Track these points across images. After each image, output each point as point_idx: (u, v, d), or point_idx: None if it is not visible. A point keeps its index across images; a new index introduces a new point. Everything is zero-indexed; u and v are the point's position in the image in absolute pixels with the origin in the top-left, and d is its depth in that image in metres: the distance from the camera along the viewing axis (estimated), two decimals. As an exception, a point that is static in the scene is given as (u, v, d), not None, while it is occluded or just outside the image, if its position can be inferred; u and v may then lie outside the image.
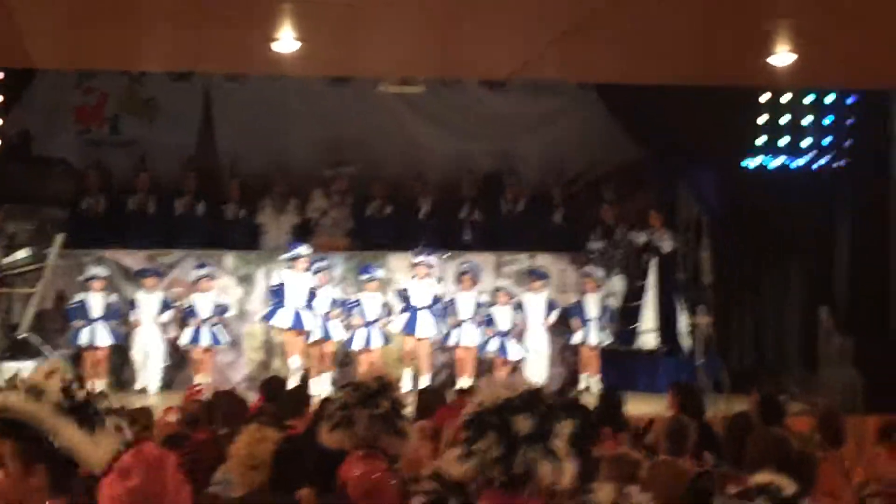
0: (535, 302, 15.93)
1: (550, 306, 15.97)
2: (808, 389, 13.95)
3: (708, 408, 10.22)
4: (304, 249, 15.32)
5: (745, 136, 14.97)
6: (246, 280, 16.00)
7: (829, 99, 15.09)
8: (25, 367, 13.42)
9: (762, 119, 14.82)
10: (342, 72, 13.82)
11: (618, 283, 16.49)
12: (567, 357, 16.53)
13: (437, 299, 15.45)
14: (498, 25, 9.89)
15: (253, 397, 9.73)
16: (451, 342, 15.66)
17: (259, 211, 16.65)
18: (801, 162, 14.85)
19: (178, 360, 15.68)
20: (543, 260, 16.60)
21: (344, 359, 15.79)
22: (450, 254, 16.29)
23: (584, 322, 15.91)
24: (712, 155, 15.66)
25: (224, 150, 17.48)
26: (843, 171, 14.75)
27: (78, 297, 15.12)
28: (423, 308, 15.35)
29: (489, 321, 15.64)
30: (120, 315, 15.20)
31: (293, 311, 15.09)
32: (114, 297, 15.22)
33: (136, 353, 15.22)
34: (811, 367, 14.56)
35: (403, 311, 15.38)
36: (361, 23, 9.79)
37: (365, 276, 15.45)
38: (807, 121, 14.71)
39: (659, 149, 16.56)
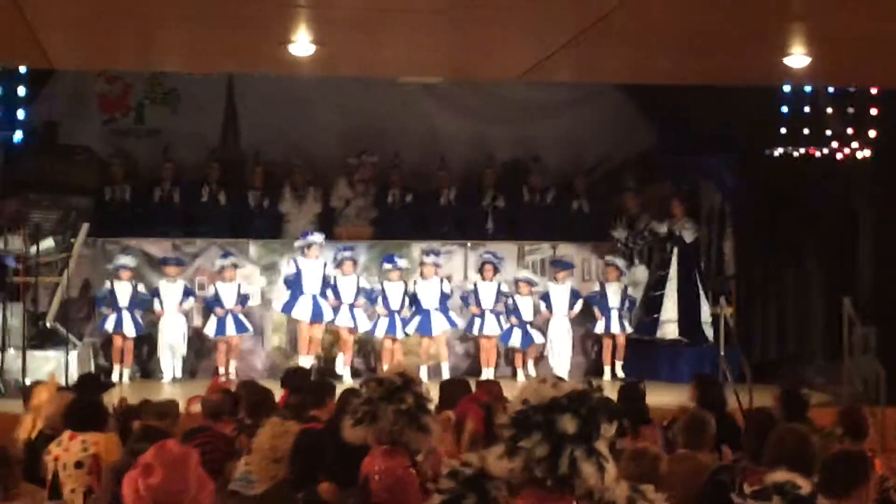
0: (559, 292, 15.96)
1: (574, 296, 16.00)
2: (831, 380, 13.93)
3: (729, 399, 10.23)
4: (317, 237, 15.38)
5: (767, 125, 14.92)
6: (269, 269, 16.08)
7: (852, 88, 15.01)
8: (52, 356, 13.61)
9: (785, 108, 14.76)
10: (357, 73, 13.89)
11: (640, 273, 16.51)
12: (589, 346, 16.58)
13: (445, 296, 15.49)
14: (511, 27, 9.91)
15: (276, 386, 9.77)
16: (473, 331, 15.74)
17: (282, 200, 16.72)
18: (824, 151, 14.78)
19: (202, 349, 15.80)
20: (566, 249, 16.63)
21: (367, 347, 15.88)
22: (471, 244, 16.35)
23: (607, 311, 15.94)
24: (735, 144, 15.63)
25: (247, 140, 17.56)
26: (866, 161, 14.68)
27: (105, 285, 15.24)
28: (434, 309, 15.39)
29: (512, 311, 15.69)
30: (145, 304, 15.32)
31: (311, 300, 15.17)
32: (141, 287, 15.33)
33: (161, 342, 15.33)
34: (834, 357, 14.52)
35: (415, 313, 15.43)
36: (376, 26, 9.82)
37: (388, 266, 15.50)
38: (830, 110, 14.64)
39: (680, 137, 16.54)
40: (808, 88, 14.85)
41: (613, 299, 15.98)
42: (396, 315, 15.36)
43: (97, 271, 15.61)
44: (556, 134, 17.86)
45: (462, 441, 7.77)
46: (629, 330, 16.01)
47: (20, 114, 13.72)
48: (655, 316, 16.05)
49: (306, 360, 14.92)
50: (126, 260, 15.29)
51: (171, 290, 15.37)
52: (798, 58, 10.63)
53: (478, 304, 15.63)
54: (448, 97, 17.65)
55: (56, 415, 7.63)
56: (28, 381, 11.42)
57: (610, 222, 16.73)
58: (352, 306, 15.27)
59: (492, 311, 15.63)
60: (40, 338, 14.20)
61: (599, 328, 16.04)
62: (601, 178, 17.74)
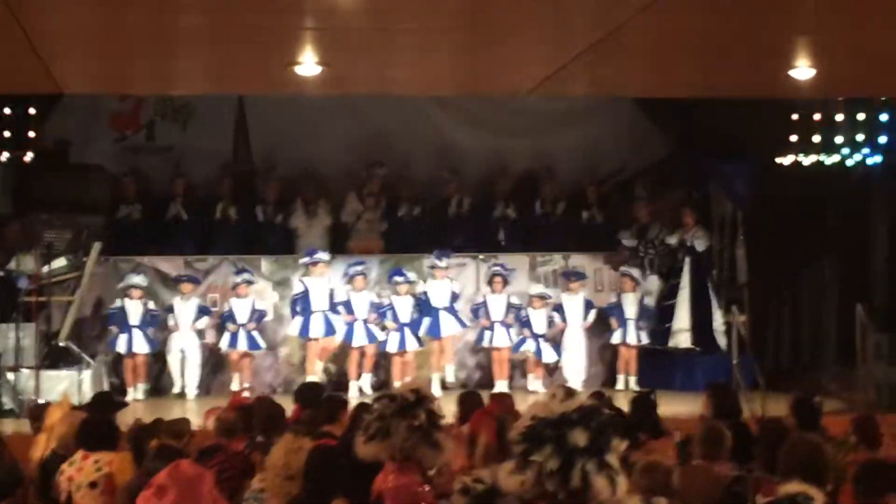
0: (573, 302, 15.98)
1: (588, 306, 16.02)
2: (845, 387, 13.90)
3: (744, 407, 10.19)
4: (322, 255, 15.41)
5: (778, 133, 14.91)
6: (282, 284, 16.08)
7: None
8: (66, 376, 13.64)
9: (795, 116, 14.74)
10: (365, 91, 13.86)
11: (653, 282, 16.50)
12: (605, 357, 16.58)
13: (455, 297, 15.52)
14: (520, 44, 9.90)
15: (289, 402, 9.76)
16: (483, 343, 15.76)
17: (293, 215, 16.74)
18: (835, 158, 14.75)
19: (216, 365, 15.82)
20: (579, 260, 16.62)
21: (380, 361, 15.89)
22: (483, 256, 16.36)
23: (622, 321, 15.94)
24: (746, 153, 15.62)
25: (259, 155, 17.56)
26: (877, 167, 14.65)
27: (116, 303, 15.27)
28: (443, 308, 15.44)
29: (524, 323, 15.70)
30: (158, 322, 15.35)
31: (322, 318, 15.18)
32: (152, 304, 15.36)
33: (174, 359, 15.36)
34: (848, 364, 14.48)
35: (425, 314, 15.47)
36: (383, 45, 9.82)
37: (398, 279, 15.51)
38: (840, 117, 14.62)
39: (691, 146, 16.53)
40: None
41: (630, 310, 15.99)
42: (407, 328, 15.38)
43: (110, 290, 15.64)
44: (568, 144, 17.83)
45: (475, 455, 7.75)
46: (645, 340, 16.01)
47: (31, 134, 13.74)
48: (668, 325, 16.05)
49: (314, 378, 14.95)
50: (137, 279, 15.32)
51: (185, 307, 15.41)
52: (804, 70, 10.65)
53: (488, 316, 15.65)
54: (460, 109, 17.63)
55: (68, 434, 7.63)
56: (41, 401, 11.43)
57: (620, 232, 16.73)
58: (366, 321, 15.30)
59: (502, 322, 15.65)
60: (53, 357, 14.25)
61: (616, 338, 16.05)
62: (613, 188, 17.72)
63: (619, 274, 16.32)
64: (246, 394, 13.67)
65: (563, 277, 16.37)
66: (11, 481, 7.13)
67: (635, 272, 16.18)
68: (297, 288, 15.47)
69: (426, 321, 15.44)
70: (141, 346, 15.12)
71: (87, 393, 13.03)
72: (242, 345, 15.27)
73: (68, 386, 13.10)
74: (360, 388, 15.22)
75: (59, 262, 14.55)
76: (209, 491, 4.06)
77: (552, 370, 15.99)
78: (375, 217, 16.76)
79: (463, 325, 15.68)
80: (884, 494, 5.44)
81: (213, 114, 17.35)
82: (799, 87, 11.36)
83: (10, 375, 13.46)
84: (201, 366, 15.50)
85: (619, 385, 15.72)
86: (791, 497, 4.13)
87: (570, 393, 3.97)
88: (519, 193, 17.34)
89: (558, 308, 15.91)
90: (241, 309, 15.37)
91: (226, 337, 15.37)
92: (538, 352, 15.68)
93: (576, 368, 15.85)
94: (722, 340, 15.69)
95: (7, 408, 13.15)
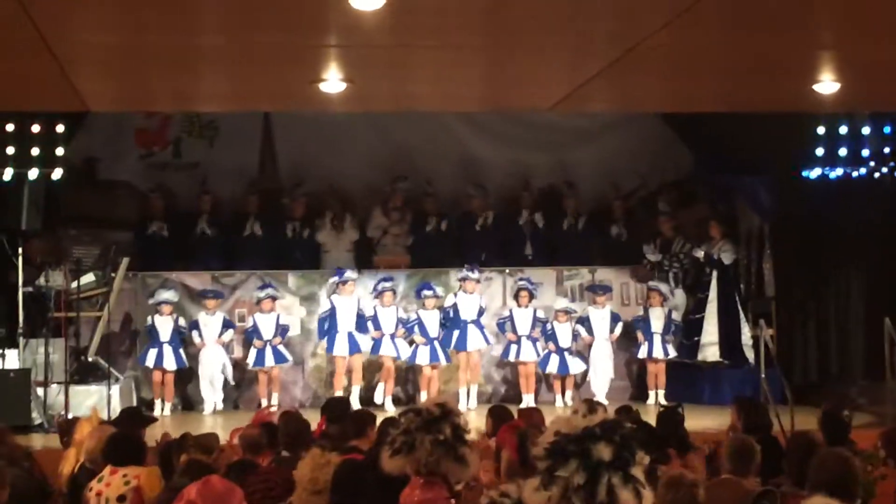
0: (600, 315, 15.98)
1: (614, 319, 16.02)
2: (874, 401, 13.83)
3: (772, 421, 10.16)
4: (351, 274, 15.46)
5: (804, 146, 14.88)
6: (309, 299, 16.13)
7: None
8: (94, 391, 13.72)
9: (821, 129, 14.71)
10: (389, 108, 13.92)
11: (680, 296, 16.48)
12: (632, 371, 16.56)
13: (482, 311, 15.53)
14: (543, 60, 9.92)
15: (317, 416, 9.77)
16: (509, 357, 15.77)
17: (320, 230, 16.78)
18: (861, 171, 14.71)
19: (244, 380, 15.87)
20: (605, 274, 16.63)
21: (407, 376, 15.92)
22: (509, 270, 16.38)
23: (649, 335, 15.92)
24: (772, 166, 15.59)
25: (285, 170, 17.62)
26: (904, 179, 14.61)
27: (148, 320, 15.37)
28: (471, 322, 15.46)
29: (549, 336, 15.70)
30: (185, 337, 15.42)
31: (346, 337, 15.22)
32: (181, 321, 15.44)
33: (201, 374, 15.42)
34: (876, 378, 14.41)
35: (453, 328, 15.48)
36: (406, 62, 9.86)
37: (428, 293, 15.54)
38: (866, 130, 14.58)
39: (717, 160, 16.50)
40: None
41: (657, 324, 15.98)
42: (435, 342, 15.40)
43: (138, 305, 15.75)
44: (592, 159, 17.83)
45: (501, 470, 7.76)
46: (672, 354, 15.99)
47: (59, 151, 13.85)
48: (696, 339, 16.02)
49: (354, 382, 15.15)
50: (168, 295, 15.41)
51: (210, 322, 15.48)
52: (828, 84, 10.64)
53: (514, 330, 15.66)
54: (484, 124, 17.65)
55: (96, 449, 7.66)
56: (70, 416, 11.50)
57: (644, 246, 16.71)
58: (393, 336, 15.33)
59: (528, 337, 15.66)
60: (82, 372, 14.35)
61: (643, 353, 16.03)
62: (638, 203, 17.71)
63: (647, 288, 16.31)
64: (273, 408, 13.70)
65: (589, 291, 16.38)
66: (40, 496, 7.15)
67: (664, 287, 16.18)
68: (324, 306, 15.51)
69: (455, 333, 15.44)
70: (170, 362, 15.20)
71: (116, 408, 13.10)
72: (269, 361, 15.32)
73: (97, 401, 13.17)
74: (393, 400, 15.24)
75: (88, 278, 14.64)
76: (238, 506, 4.07)
77: (579, 384, 15.99)
78: (401, 231, 16.82)
79: (488, 341, 15.69)
80: None
81: (239, 131, 17.41)
82: (823, 102, 11.36)
83: (40, 390, 13.56)
84: (228, 381, 15.55)
85: (650, 400, 15.68)
86: (817, 511, 4.12)
87: (592, 408, 3.97)
88: (544, 208, 17.34)
89: (584, 321, 15.90)
90: (265, 324, 15.42)
91: (252, 353, 15.42)
92: (563, 366, 15.67)
93: (602, 382, 15.84)
94: (750, 354, 15.65)
95: (37, 422, 13.22)
